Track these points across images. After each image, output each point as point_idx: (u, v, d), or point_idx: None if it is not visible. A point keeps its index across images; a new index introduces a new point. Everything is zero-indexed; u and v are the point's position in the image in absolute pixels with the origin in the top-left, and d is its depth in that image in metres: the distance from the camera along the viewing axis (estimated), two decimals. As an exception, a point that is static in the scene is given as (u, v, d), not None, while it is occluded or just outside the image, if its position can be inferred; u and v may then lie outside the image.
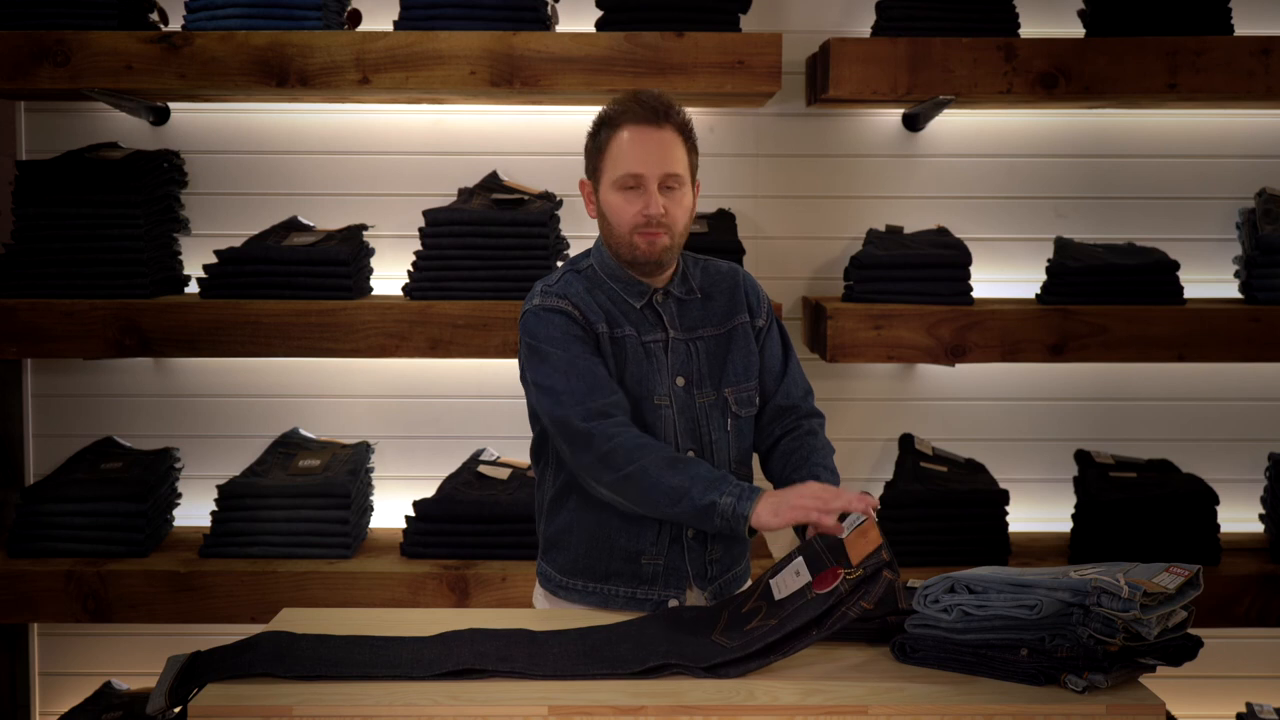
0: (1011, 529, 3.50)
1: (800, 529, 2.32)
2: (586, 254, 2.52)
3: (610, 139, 2.39)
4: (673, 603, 2.44)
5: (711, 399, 2.45)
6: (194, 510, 3.67)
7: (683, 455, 2.35)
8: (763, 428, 2.54)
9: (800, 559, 2.19)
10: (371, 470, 3.68)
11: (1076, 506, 3.55)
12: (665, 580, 2.44)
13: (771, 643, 2.09)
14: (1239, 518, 3.65)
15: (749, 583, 2.58)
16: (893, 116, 3.76)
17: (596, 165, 2.42)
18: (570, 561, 2.48)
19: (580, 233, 3.57)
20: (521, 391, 2.48)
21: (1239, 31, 3.51)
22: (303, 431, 3.70)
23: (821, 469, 2.43)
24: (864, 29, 3.60)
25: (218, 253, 3.43)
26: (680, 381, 2.43)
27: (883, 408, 3.79)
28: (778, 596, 2.15)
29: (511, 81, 3.31)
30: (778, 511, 2.22)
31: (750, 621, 2.15)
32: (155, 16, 3.53)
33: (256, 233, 3.58)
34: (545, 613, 2.46)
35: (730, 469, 2.46)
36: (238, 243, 3.51)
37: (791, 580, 2.16)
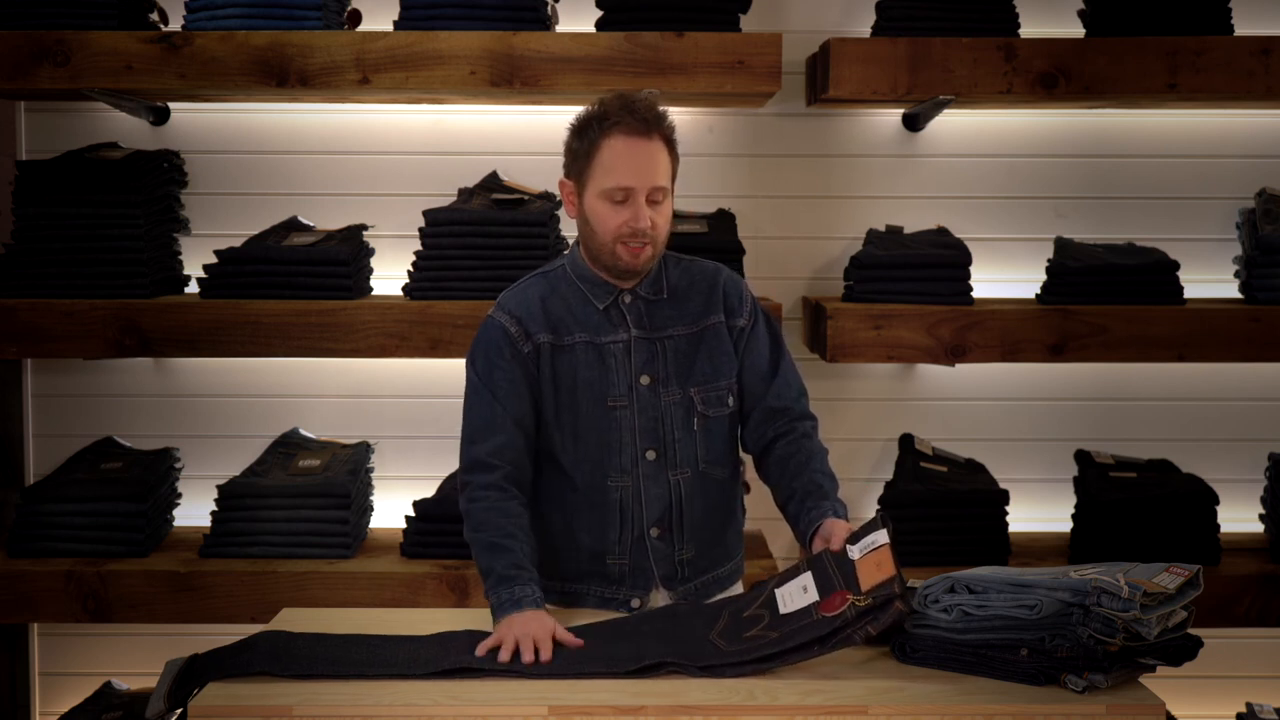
0: (1011, 529, 3.50)
1: (809, 540, 2.32)
2: (562, 255, 2.54)
3: (600, 145, 2.36)
4: (635, 603, 2.44)
5: (677, 398, 2.45)
6: (194, 510, 3.67)
7: (509, 535, 2.32)
8: (753, 429, 2.53)
9: (809, 574, 2.19)
10: (371, 470, 3.68)
11: (1076, 506, 3.55)
12: (632, 580, 2.45)
13: (770, 654, 2.10)
14: (1239, 518, 3.64)
15: (739, 585, 2.57)
16: (893, 116, 3.75)
17: (582, 169, 2.39)
18: (545, 565, 2.47)
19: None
20: None
21: (1239, 31, 3.50)
22: (303, 431, 3.70)
23: (820, 474, 2.43)
24: (864, 29, 3.60)
25: (218, 253, 3.43)
26: (645, 380, 2.43)
27: (883, 408, 3.79)
28: (782, 610, 2.15)
29: (511, 81, 3.31)
30: (505, 626, 2.19)
31: (751, 629, 2.15)
32: (155, 16, 3.53)
33: (256, 233, 3.58)
34: (552, 613, 2.45)
35: (697, 469, 2.45)
36: (238, 243, 3.50)
37: (798, 595, 2.16)
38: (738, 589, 2.57)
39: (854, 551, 2.16)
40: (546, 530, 2.47)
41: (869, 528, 2.18)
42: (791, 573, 2.21)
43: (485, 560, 2.32)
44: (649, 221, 2.36)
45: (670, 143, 2.41)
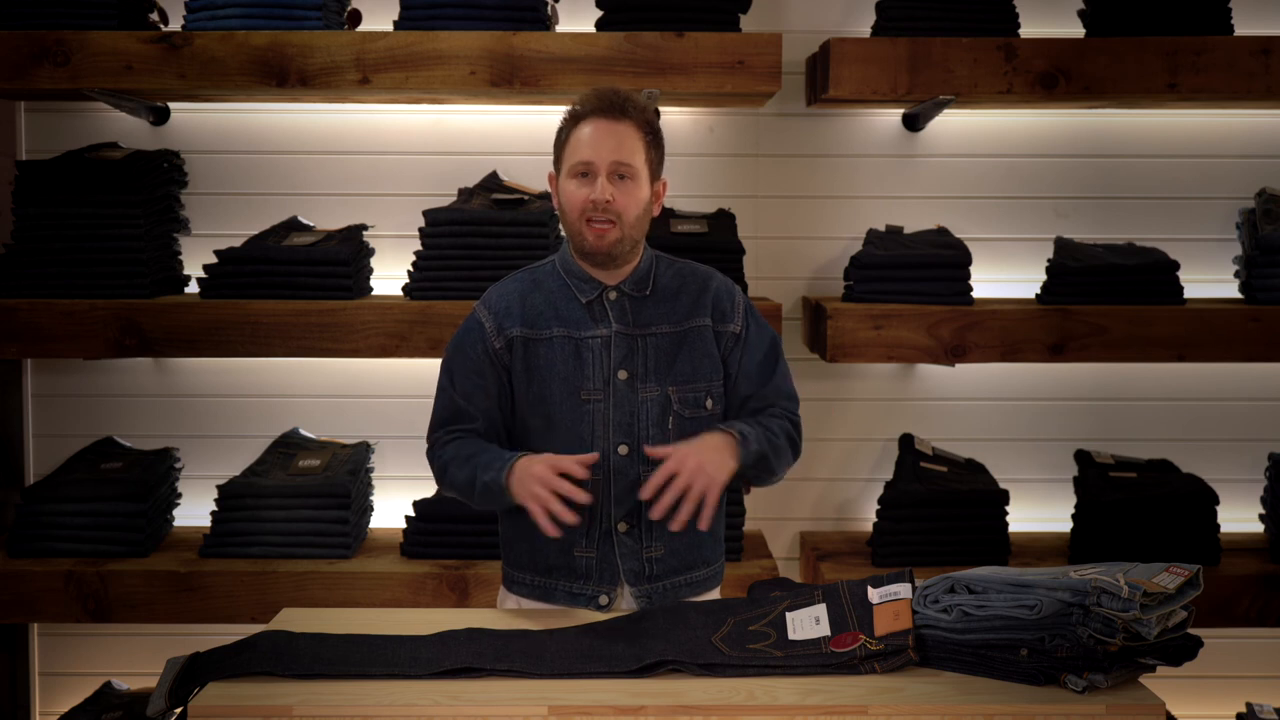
0: (1011, 529, 3.50)
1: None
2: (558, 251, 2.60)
3: (571, 132, 2.47)
4: (603, 599, 2.45)
5: (654, 394, 2.46)
6: (194, 510, 3.67)
7: (481, 447, 2.44)
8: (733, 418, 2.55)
9: (823, 606, 2.19)
10: (371, 470, 3.68)
11: (1076, 506, 3.54)
12: (599, 575, 2.46)
13: (773, 667, 2.10)
14: (1239, 518, 3.65)
15: (715, 593, 2.57)
16: (893, 116, 3.76)
17: (558, 158, 2.50)
18: (518, 556, 2.54)
19: (580, 233, 3.57)
20: None
21: (1239, 31, 3.51)
22: (303, 431, 3.70)
23: (761, 424, 2.45)
24: (864, 29, 3.60)
25: (218, 253, 3.44)
26: (622, 375, 2.46)
27: (883, 408, 3.79)
28: (790, 635, 2.16)
29: (511, 81, 3.31)
30: (517, 488, 2.34)
31: (756, 642, 2.15)
32: (155, 16, 3.53)
33: (256, 233, 3.58)
34: (543, 612, 2.46)
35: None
36: (238, 243, 3.51)
37: (810, 626, 2.17)
38: (714, 596, 2.56)
39: (874, 596, 2.17)
40: (518, 522, 2.50)
41: (895, 578, 2.19)
42: (805, 599, 2.21)
43: (465, 470, 2.42)
44: (607, 194, 2.40)
45: (647, 130, 2.46)
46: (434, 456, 2.52)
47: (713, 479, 2.33)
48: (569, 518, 2.29)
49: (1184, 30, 3.42)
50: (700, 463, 2.33)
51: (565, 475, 2.31)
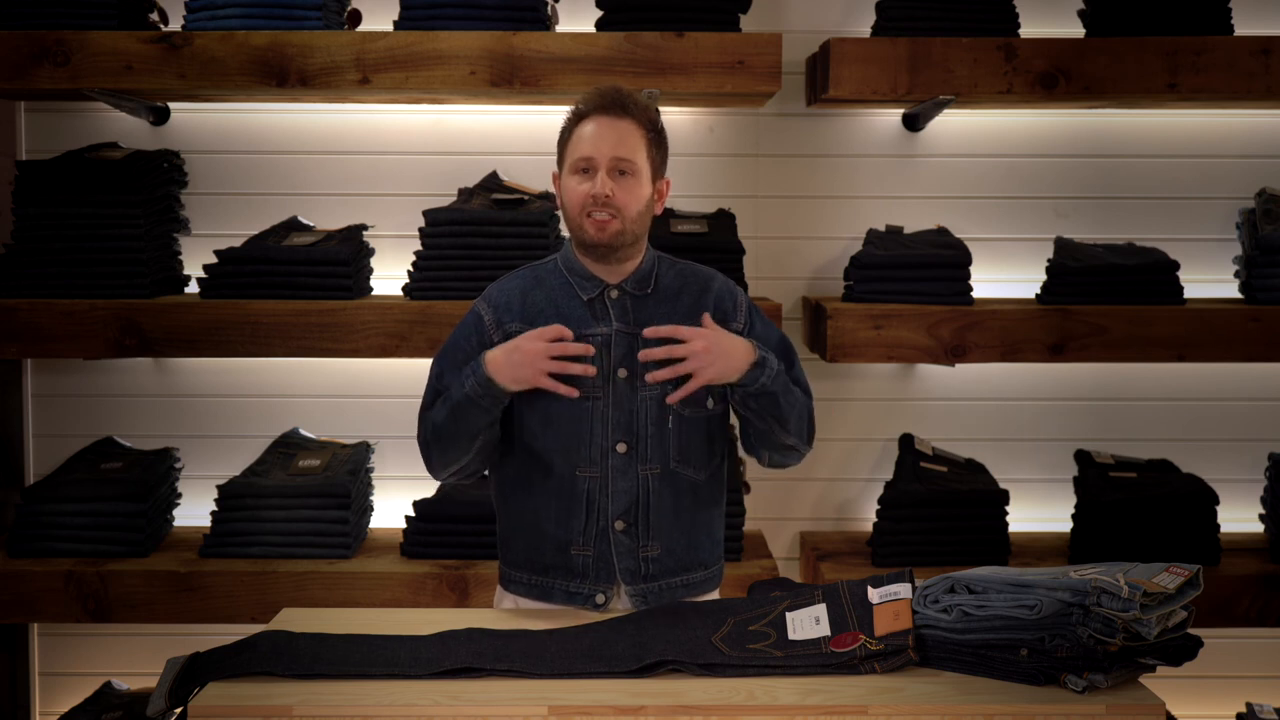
0: (1011, 529, 3.50)
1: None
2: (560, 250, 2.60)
3: (573, 130, 2.48)
4: (599, 598, 2.45)
5: (654, 393, 2.46)
6: (194, 510, 3.67)
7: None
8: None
9: (823, 606, 2.19)
10: (371, 470, 3.68)
11: (1076, 506, 3.54)
12: (595, 574, 2.46)
13: (773, 666, 2.10)
14: (1239, 518, 3.65)
15: (715, 595, 2.57)
16: (893, 116, 3.76)
17: (561, 156, 2.51)
18: (515, 555, 2.54)
19: (580, 233, 3.57)
20: None
21: (1239, 31, 3.51)
22: (303, 431, 3.70)
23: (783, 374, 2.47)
24: (864, 29, 3.60)
25: (218, 253, 3.44)
26: (622, 374, 2.46)
27: (883, 408, 3.79)
28: (790, 635, 2.17)
29: (511, 81, 3.31)
30: (514, 376, 2.39)
31: (756, 642, 2.16)
32: (155, 16, 3.53)
33: (256, 233, 3.58)
34: (543, 612, 2.46)
35: (668, 466, 2.46)
36: (238, 243, 3.51)
37: (810, 626, 2.17)
38: (713, 598, 2.56)
39: (874, 596, 2.17)
40: (515, 519, 2.51)
41: (895, 578, 2.19)
42: (805, 599, 2.22)
43: (443, 408, 2.47)
44: (607, 188, 2.42)
45: (648, 126, 2.48)
46: (420, 433, 2.55)
47: (702, 369, 2.38)
48: (590, 370, 2.37)
49: (1184, 30, 3.42)
50: (708, 347, 2.38)
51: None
